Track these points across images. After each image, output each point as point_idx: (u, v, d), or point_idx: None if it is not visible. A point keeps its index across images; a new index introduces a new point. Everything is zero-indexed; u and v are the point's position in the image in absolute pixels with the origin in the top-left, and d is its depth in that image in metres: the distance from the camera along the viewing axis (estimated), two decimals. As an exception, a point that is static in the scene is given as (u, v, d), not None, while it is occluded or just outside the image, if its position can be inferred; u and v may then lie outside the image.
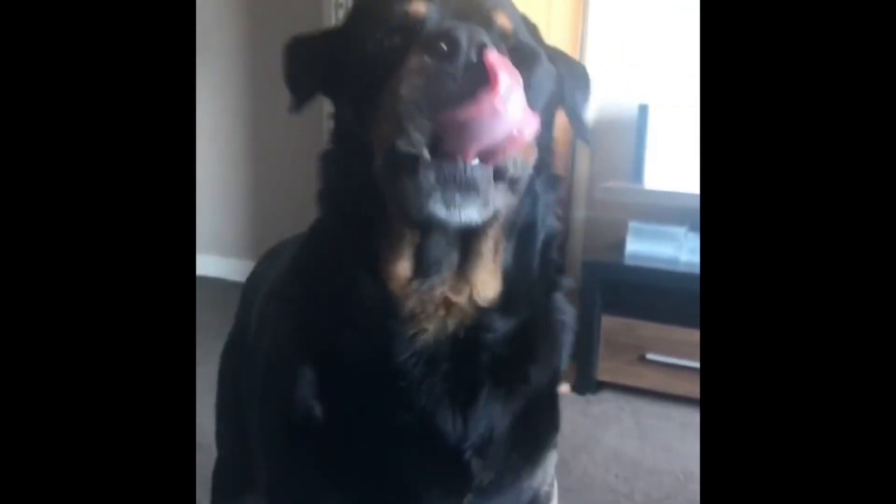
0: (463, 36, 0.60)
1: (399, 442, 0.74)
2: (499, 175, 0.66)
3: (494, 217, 0.68)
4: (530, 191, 0.77)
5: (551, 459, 0.89)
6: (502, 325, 0.75)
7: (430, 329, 0.73)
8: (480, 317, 0.74)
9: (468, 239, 0.73)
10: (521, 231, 0.78)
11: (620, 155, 2.70)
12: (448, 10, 0.71)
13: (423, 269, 0.73)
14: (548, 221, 0.82)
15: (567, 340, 0.85)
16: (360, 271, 0.74)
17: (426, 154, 0.62)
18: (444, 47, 0.61)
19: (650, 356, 2.37)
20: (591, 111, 2.80)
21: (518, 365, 0.77)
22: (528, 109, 0.64)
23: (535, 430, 0.82)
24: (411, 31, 0.69)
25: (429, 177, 0.62)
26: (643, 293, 2.43)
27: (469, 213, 0.64)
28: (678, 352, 2.32)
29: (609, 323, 2.42)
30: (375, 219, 0.73)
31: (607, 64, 2.79)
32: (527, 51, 0.75)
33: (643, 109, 2.57)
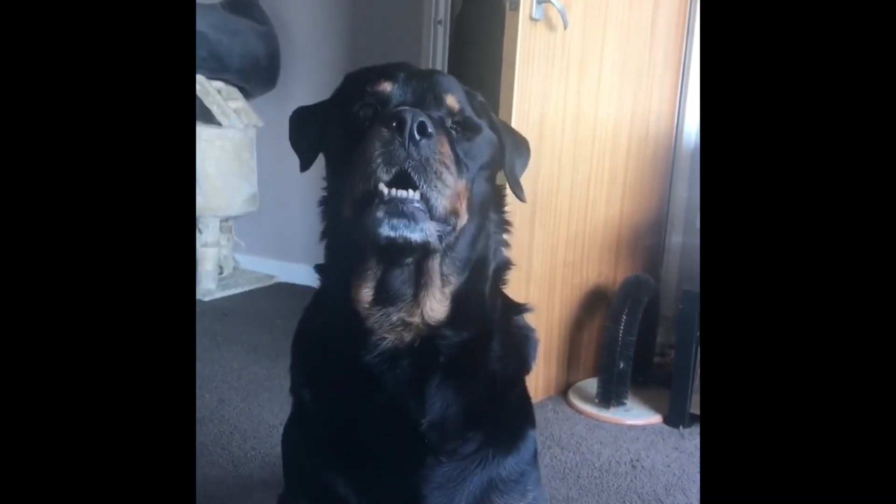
0: (408, 116, 0.84)
1: (372, 416, 0.96)
2: (431, 212, 0.87)
3: (430, 243, 0.88)
4: (485, 231, 1.00)
5: (526, 447, 1.05)
6: (452, 336, 0.96)
7: (390, 338, 0.95)
8: (432, 331, 0.96)
9: (419, 275, 0.94)
10: (475, 263, 0.99)
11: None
12: (409, 91, 0.95)
13: (382, 299, 0.95)
14: (498, 255, 1.05)
15: (531, 349, 1.09)
16: (339, 294, 0.98)
17: (383, 189, 0.84)
18: (395, 123, 0.84)
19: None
20: (694, 136, 2.79)
21: (467, 364, 0.98)
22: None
23: (496, 415, 1.01)
24: (378, 106, 0.93)
25: (381, 210, 0.85)
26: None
27: (408, 234, 0.85)
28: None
29: (706, 354, 2.32)
30: (351, 255, 0.95)
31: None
32: (469, 124, 0.99)
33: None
